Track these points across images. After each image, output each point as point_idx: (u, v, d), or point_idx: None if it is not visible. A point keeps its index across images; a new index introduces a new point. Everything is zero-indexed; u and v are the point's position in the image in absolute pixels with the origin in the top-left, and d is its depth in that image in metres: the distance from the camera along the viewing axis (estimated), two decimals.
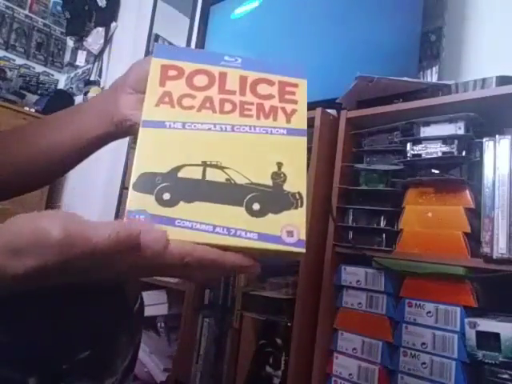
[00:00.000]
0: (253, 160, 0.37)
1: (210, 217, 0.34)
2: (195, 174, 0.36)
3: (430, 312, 0.76)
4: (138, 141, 0.36)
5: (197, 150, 0.37)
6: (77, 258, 0.29)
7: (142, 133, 0.37)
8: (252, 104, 0.40)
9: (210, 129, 0.37)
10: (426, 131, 0.83)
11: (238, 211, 0.35)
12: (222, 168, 0.36)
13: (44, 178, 0.59)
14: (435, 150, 0.81)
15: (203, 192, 0.35)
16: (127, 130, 0.50)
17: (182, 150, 0.36)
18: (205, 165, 0.36)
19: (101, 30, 2.42)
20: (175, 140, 0.37)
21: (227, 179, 0.36)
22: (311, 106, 1.02)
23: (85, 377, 0.37)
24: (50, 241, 0.28)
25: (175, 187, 0.35)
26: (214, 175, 0.36)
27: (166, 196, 0.34)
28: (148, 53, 2.28)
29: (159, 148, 0.36)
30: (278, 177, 0.37)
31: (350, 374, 0.84)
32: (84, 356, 0.36)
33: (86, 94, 2.32)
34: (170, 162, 0.36)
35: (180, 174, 0.35)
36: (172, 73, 0.40)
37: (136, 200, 0.34)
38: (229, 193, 0.35)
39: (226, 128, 0.38)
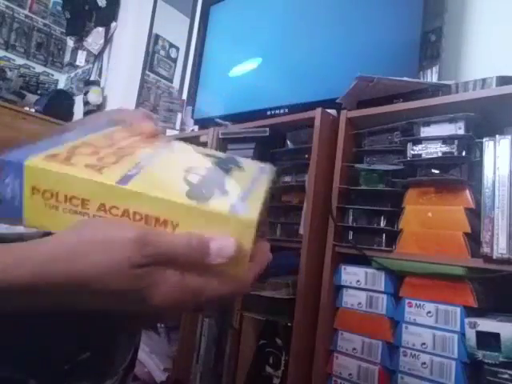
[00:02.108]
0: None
1: None
2: None
3: (430, 312, 0.76)
4: None
5: None
6: (148, 256, 0.29)
7: None
8: None
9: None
10: (425, 131, 0.83)
11: None
12: None
13: None
14: (435, 150, 0.81)
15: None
16: None
17: None
18: None
19: (101, 30, 2.42)
20: None
21: None
22: (311, 106, 1.03)
23: (85, 377, 0.37)
24: (124, 240, 0.29)
25: None
26: None
27: None
28: (148, 53, 2.29)
29: None
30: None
31: (350, 374, 0.84)
32: (84, 357, 0.36)
33: (86, 93, 2.33)
34: None
35: None
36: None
37: None
38: None
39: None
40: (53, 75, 2.92)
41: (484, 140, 0.75)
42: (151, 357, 1.29)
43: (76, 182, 0.31)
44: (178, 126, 1.70)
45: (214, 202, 0.32)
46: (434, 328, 0.75)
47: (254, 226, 0.32)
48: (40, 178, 0.31)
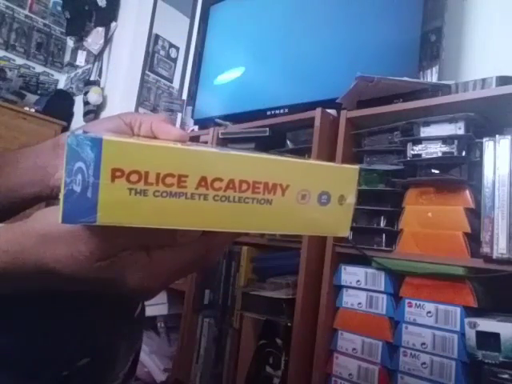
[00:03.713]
0: None
1: None
2: None
3: (429, 312, 0.76)
4: None
5: None
6: (110, 248, 0.28)
7: None
8: None
9: None
10: (425, 131, 0.83)
11: None
12: None
13: None
14: (435, 150, 0.81)
15: None
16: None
17: None
18: None
19: (101, 30, 2.42)
20: None
21: None
22: (311, 106, 1.03)
23: (85, 383, 0.37)
24: (86, 233, 0.28)
25: None
26: None
27: None
28: (148, 53, 2.29)
29: None
30: None
31: (350, 374, 0.84)
32: (84, 363, 0.36)
33: (85, 93, 2.32)
34: None
35: None
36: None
37: None
38: None
39: None
40: (53, 75, 2.91)
41: (484, 140, 0.75)
42: (151, 357, 1.29)
43: (171, 156, 0.26)
44: (178, 126, 1.70)
45: (312, 160, 0.31)
46: (434, 328, 0.75)
47: (357, 174, 0.31)
48: (124, 156, 0.25)
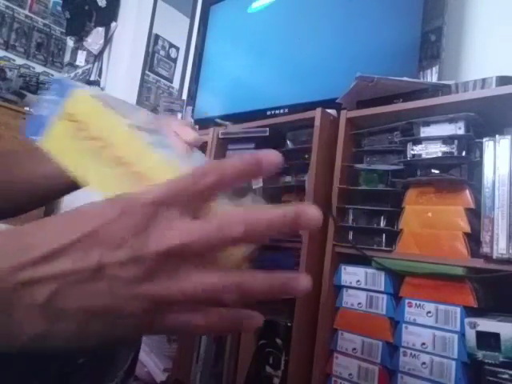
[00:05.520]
0: None
1: None
2: None
3: (429, 312, 0.76)
4: None
5: None
6: None
7: None
8: None
9: None
10: (425, 131, 0.83)
11: None
12: None
13: (17, 208, 0.56)
14: (435, 150, 0.81)
15: None
16: None
17: None
18: None
19: (101, 30, 2.42)
20: None
21: None
22: (311, 106, 1.03)
23: (85, 380, 0.37)
24: None
25: None
26: None
27: None
28: (148, 53, 2.29)
29: None
30: None
31: (350, 374, 0.84)
32: (83, 361, 0.36)
33: None
34: None
35: None
36: None
37: None
38: None
39: None
40: (53, 75, 2.92)
41: (484, 140, 0.75)
42: (151, 357, 1.29)
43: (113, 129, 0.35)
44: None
45: None
46: (434, 328, 0.75)
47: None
48: (80, 107, 0.35)
